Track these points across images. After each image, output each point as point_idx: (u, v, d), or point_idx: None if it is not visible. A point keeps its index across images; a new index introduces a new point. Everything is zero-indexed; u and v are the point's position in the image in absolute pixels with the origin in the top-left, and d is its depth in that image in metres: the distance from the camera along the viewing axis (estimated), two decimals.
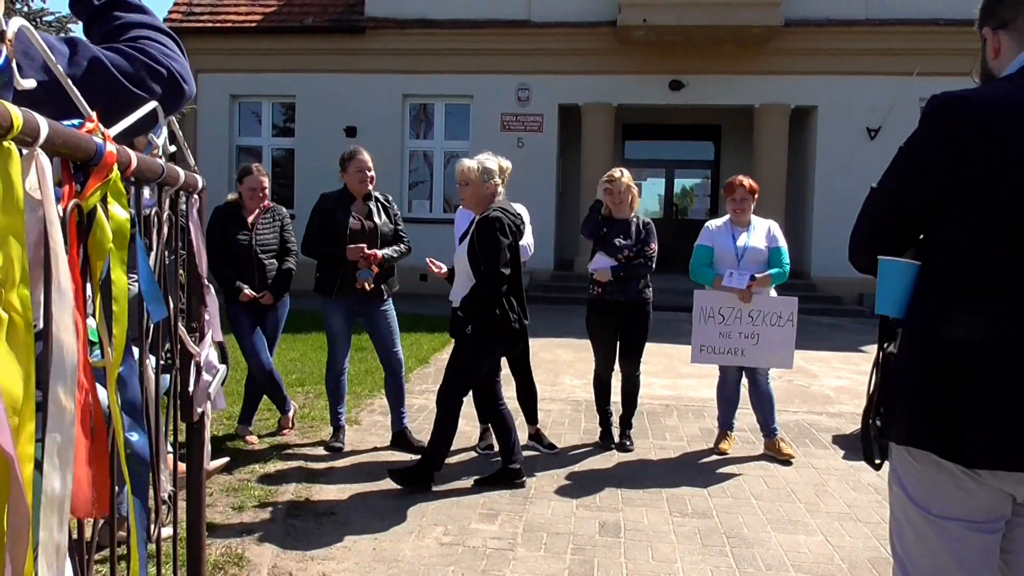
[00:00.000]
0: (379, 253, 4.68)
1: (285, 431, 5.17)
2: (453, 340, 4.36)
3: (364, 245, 4.63)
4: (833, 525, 3.86)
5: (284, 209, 5.14)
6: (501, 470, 4.37)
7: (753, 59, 13.30)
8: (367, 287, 4.66)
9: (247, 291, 4.73)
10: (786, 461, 4.82)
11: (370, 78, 14.00)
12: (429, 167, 14.73)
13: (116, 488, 1.87)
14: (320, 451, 4.85)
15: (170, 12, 14.65)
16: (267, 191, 4.96)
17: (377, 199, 4.89)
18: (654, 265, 4.95)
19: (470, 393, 4.38)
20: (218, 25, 14.35)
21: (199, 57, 14.31)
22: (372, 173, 4.81)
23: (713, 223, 5.06)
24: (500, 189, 4.28)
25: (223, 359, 5.49)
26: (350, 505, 4.00)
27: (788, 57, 13.26)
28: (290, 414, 5.21)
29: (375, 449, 4.94)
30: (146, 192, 1.60)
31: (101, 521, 1.69)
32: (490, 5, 13.70)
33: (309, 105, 14.26)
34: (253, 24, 14.31)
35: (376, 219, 4.79)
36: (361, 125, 14.00)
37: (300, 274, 5.03)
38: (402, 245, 4.91)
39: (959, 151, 1.55)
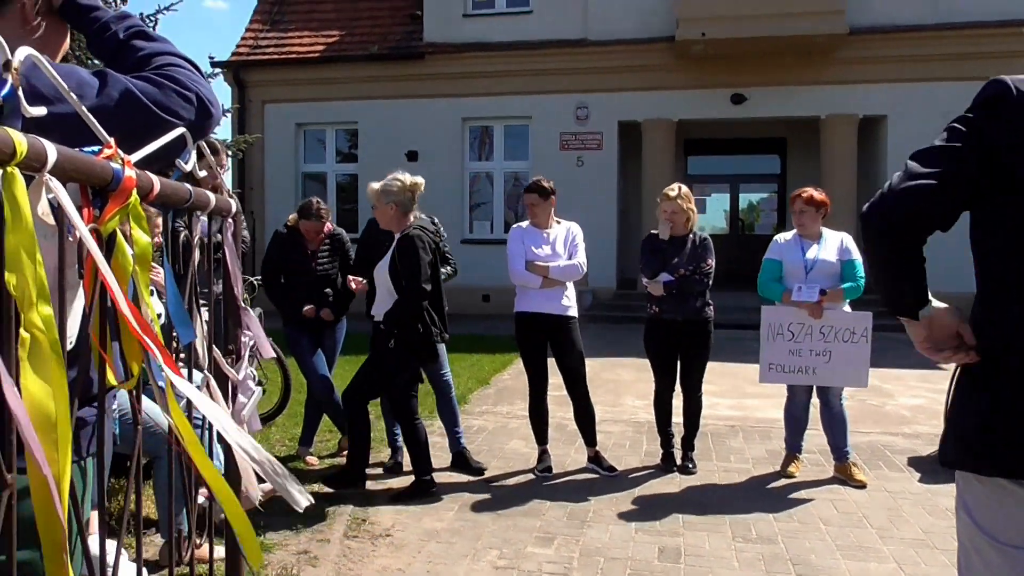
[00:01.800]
0: None
1: (345, 452, 5.19)
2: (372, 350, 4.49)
3: None
4: (907, 552, 3.66)
5: (346, 235, 5.19)
6: (414, 483, 4.45)
7: (817, 69, 12.98)
8: None
9: (308, 308, 4.81)
10: (859, 486, 4.60)
11: (430, 102, 14.22)
12: (490, 188, 14.83)
13: (175, 509, 1.90)
14: (378, 472, 4.86)
15: (237, 47, 15.19)
16: (328, 225, 5.03)
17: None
18: (711, 281, 4.83)
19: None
20: (283, 57, 14.83)
21: (265, 88, 14.83)
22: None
23: (782, 236, 4.90)
24: (409, 207, 4.41)
25: (285, 379, 5.58)
26: (406, 527, 3.98)
27: (854, 66, 12.90)
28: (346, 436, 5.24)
29: (433, 470, 4.91)
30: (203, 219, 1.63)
31: (162, 541, 1.71)
32: (546, 26, 13.77)
33: (371, 131, 14.56)
34: (316, 55, 14.73)
35: None
36: (422, 149, 14.21)
37: (357, 297, 5.08)
38: (448, 267, 4.91)
39: (1010, 138, 1.46)
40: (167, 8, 5.92)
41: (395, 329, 4.27)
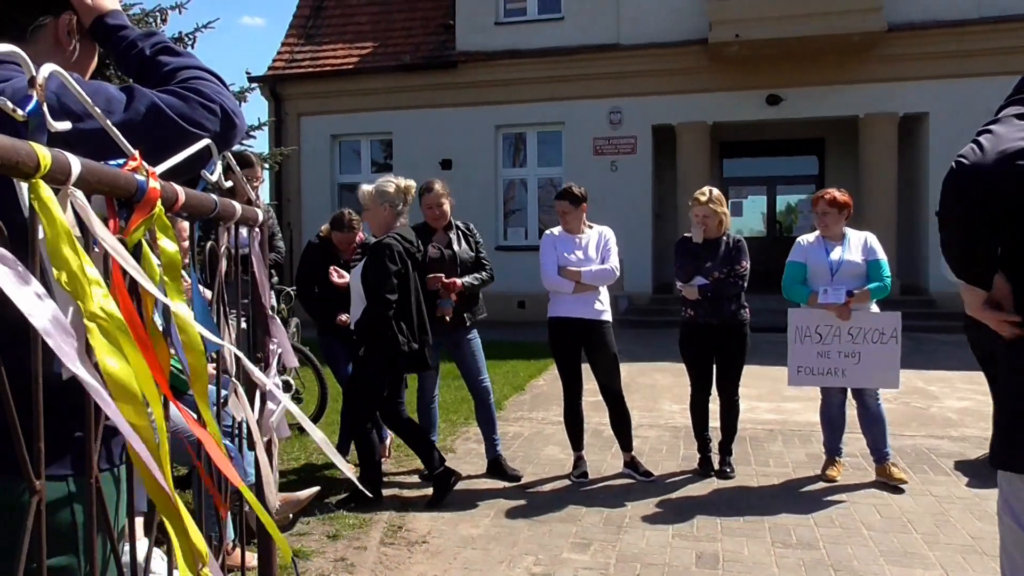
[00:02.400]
0: (459, 281, 4.71)
1: (381, 459, 5.23)
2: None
3: (443, 275, 4.67)
4: (955, 558, 3.56)
5: None
6: (435, 483, 4.45)
7: (855, 67, 12.77)
8: (446, 318, 4.69)
9: (343, 317, 4.86)
10: (897, 488, 4.51)
11: (463, 111, 14.30)
12: (524, 194, 14.86)
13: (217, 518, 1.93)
14: (415, 479, 4.89)
15: (273, 61, 15.45)
16: (360, 235, 5.09)
17: (458, 227, 4.94)
18: (745, 284, 4.78)
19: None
20: (318, 70, 15.05)
21: (301, 102, 15.05)
22: (445, 207, 4.86)
23: (805, 238, 4.85)
24: (401, 209, 4.43)
25: (322, 388, 5.64)
26: (442, 534, 4.00)
27: (894, 63, 12.67)
28: (386, 442, 5.29)
29: (469, 477, 4.93)
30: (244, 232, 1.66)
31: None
32: (578, 32, 13.77)
33: (406, 140, 14.69)
34: (351, 66, 14.93)
35: (456, 247, 4.84)
36: (456, 157, 14.30)
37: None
38: (484, 273, 4.92)
39: None
40: (205, 26, 6.06)
41: (365, 336, 4.32)
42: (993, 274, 1.60)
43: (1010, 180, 1.51)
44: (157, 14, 5.47)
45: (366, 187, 4.48)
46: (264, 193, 13.84)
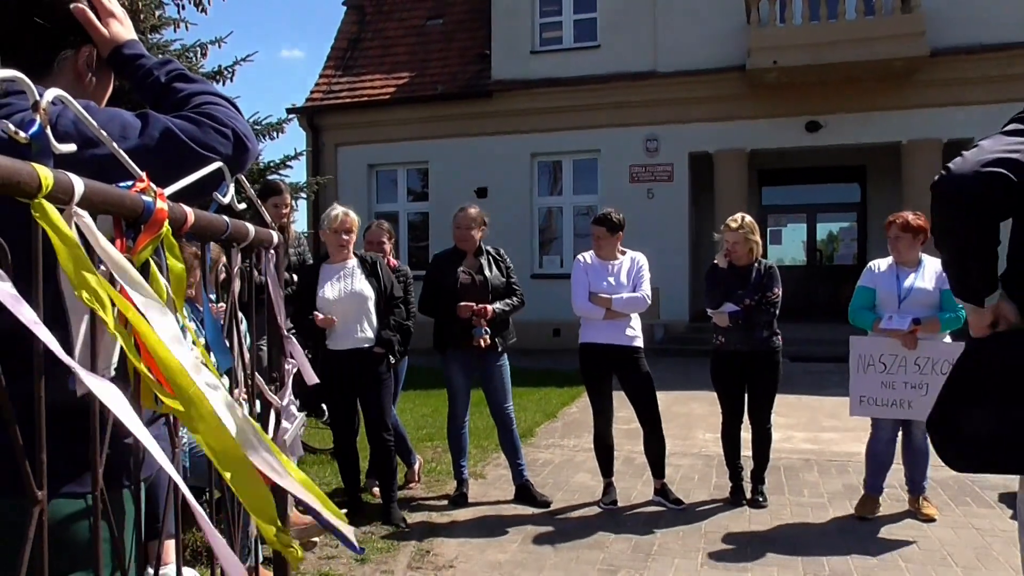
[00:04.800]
0: (489, 308, 4.73)
1: (411, 484, 5.26)
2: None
3: (473, 304, 4.70)
4: None
5: (408, 271, 5.28)
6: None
7: (897, 93, 12.60)
8: (482, 344, 4.71)
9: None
10: (927, 521, 4.39)
11: (498, 140, 14.44)
12: (560, 222, 14.89)
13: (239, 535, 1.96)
14: (444, 504, 4.89)
15: (312, 93, 15.81)
16: (391, 260, 5.14)
17: (488, 253, 4.99)
18: (777, 311, 4.72)
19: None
20: (355, 100, 15.35)
21: (339, 132, 15.35)
22: (474, 233, 4.90)
23: (877, 263, 4.68)
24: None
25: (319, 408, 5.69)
26: (469, 559, 3.99)
27: (937, 88, 12.47)
28: (416, 467, 5.31)
29: (498, 502, 4.92)
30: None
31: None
32: (615, 59, 13.85)
33: (442, 169, 14.87)
34: (387, 96, 15.19)
35: (487, 272, 4.87)
36: (491, 186, 14.42)
37: (421, 331, 5.13)
38: (515, 298, 4.94)
39: None
40: (244, 59, 6.25)
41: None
42: (990, 290, 1.58)
43: (990, 186, 1.52)
44: (197, 49, 5.66)
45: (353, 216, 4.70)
46: (302, 222, 14.12)
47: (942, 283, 4.40)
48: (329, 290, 4.51)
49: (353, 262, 4.62)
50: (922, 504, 4.49)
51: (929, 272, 4.48)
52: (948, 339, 4.51)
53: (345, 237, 4.56)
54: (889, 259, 4.63)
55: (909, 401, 4.39)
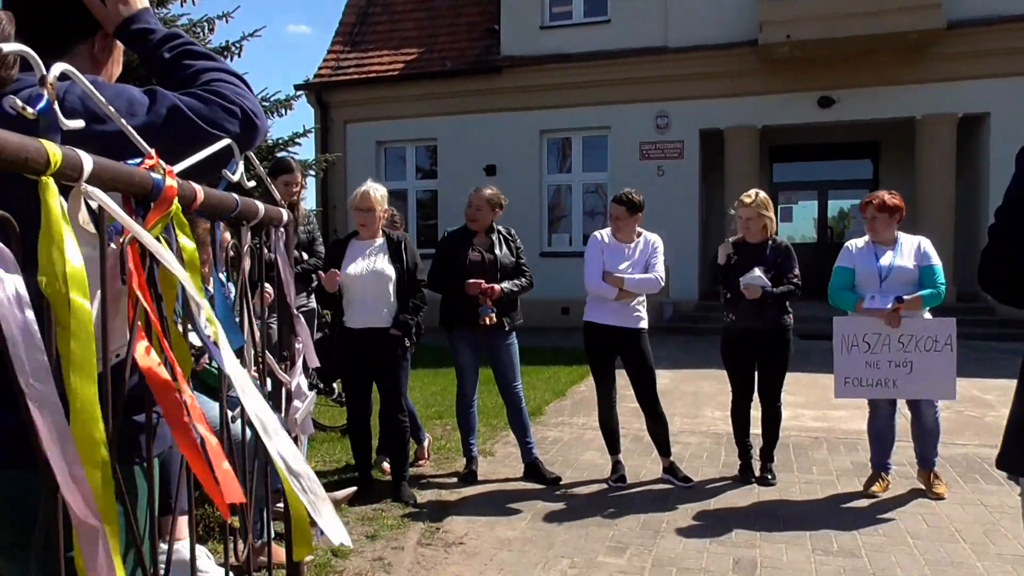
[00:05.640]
0: (497, 287, 4.72)
1: (421, 462, 5.29)
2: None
3: (482, 281, 4.70)
4: (1004, 568, 3.45)
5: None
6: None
7: (912, 67, 12.44)
8: (487, 322, 4.71)
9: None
10: (936, 499, 4.38)
11: (507, 116, 14.34)
12: (569, 200, 14.82)
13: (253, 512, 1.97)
14: (454, 481, 4.92)
15: (319, 69, 15.72)
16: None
17: (500, 232, 4.97)
18: (800, 292, 4.71)
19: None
20: (363, 77, 15.25)
21: (347, 109, 15.27)
22: (486, 213, 4.88)
23: (854, 243, 4.69)
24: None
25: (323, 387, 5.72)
26: (479, 535, 4.01)
27: (952, 62, 12.29)
28: (425, 444, 5.34)
29: (507, 480, 4.95)
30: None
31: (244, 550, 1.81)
32: (625, 35, 13.70)
33: (450, 146, 14.80)
34: (396, 73, 15.08)
35: (497, 251, 4.86)
36: (500, 163, 14.34)
37: (428, 308, 5.11)
38: (523, 279, 4.93)
39: None
40: (251, 35, 6.21)
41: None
42: None
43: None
44: (205, 24, 5.62)
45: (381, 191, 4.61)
46: (310, 199, 14.12)
47: (921, 260, 4.44)
48: (354, 266, 4.51)
49: (380, 241, 4.61)
50: (932, 482, 4.49)
51: (907, 249, 4.49)
52: (928, 315, 4.53)
53: (364, 215, 4.54)
54: (865, 238, 4.64)
55: (894, 380, 4.41)
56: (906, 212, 4.65)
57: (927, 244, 4.53)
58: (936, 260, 4.47)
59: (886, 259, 4.49)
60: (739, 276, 4.67)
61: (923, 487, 4.51)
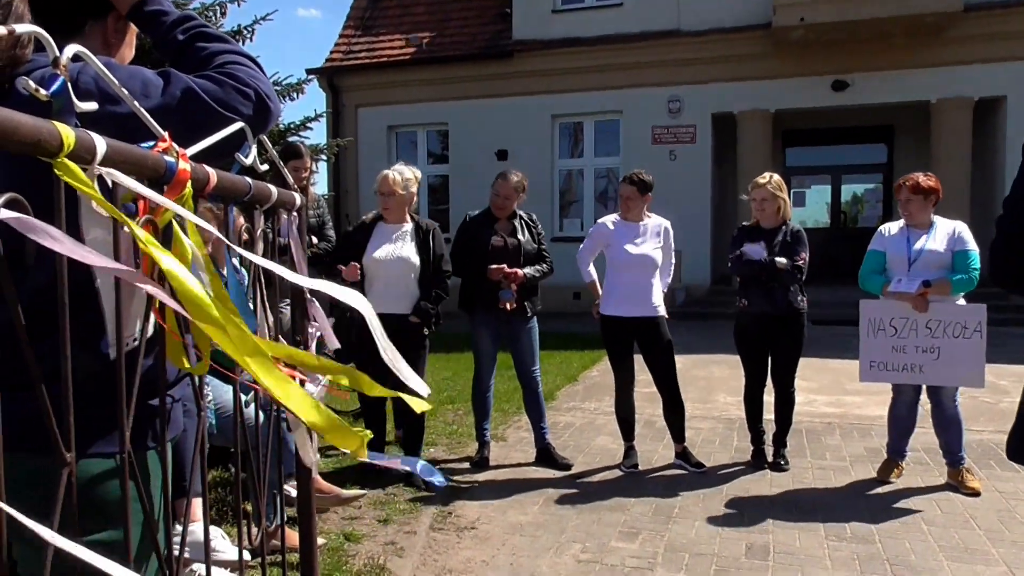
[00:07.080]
0: (520, 272, 4.71)
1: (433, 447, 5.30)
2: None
3: (504, 265, 4.68)
4: (1020, 555, 3.43)
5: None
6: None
7: (927, 50, 12.27)
8: (507, 307, 4.69)
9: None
10: (971, 494, 4.26)
11: (519, 101, 14.27)
12: (581, 185, 14.76)
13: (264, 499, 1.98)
14: (466, 466, 4.93)
15: (331, 53, 15.68)
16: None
17: (522, 217, 4.95)
18: (804, 276, 4.66)
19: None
20: (374, 61, 15.20)
21: (358, 93, 15.24)
22: (510, 201, 4.85)
23: (887, 227, 4.57)
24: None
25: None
26: (491, 520, 4.02)
27: (969, 45, 12.13)
28: None
29: (519, 465, 4.96)
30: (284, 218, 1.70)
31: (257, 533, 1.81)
32: (637, 19, 13.58)
33: (462, 131, 14.75)
34: (407, 57, 15.03)
35: (519, 236, 4.85)
36: (512, 147, 14.28)
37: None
38: (544, 265, 4.92)
39: None
40: (263, 18, 6.19)
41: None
42: None
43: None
44: (217, 8, 5.60)
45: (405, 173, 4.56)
46: (322, 184, 14.11)
47: (954, 244, 4.30)
48: (380, 251, 4.50)
49: (409, 226, 4.59)
50: (965, 477, 4.35)
51: (941, 233, 4.36)
52: (962, 301, 4.40)
53: (385, 199, 4.52)
54: (900, 222, 4.52)
55: (921, 365, 4.31)
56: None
57: (963, 228, 4.37)
58: (972, 245, 4.32)
59: (919, 243, 4.34)
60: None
61: (954, 484, 4.36)
